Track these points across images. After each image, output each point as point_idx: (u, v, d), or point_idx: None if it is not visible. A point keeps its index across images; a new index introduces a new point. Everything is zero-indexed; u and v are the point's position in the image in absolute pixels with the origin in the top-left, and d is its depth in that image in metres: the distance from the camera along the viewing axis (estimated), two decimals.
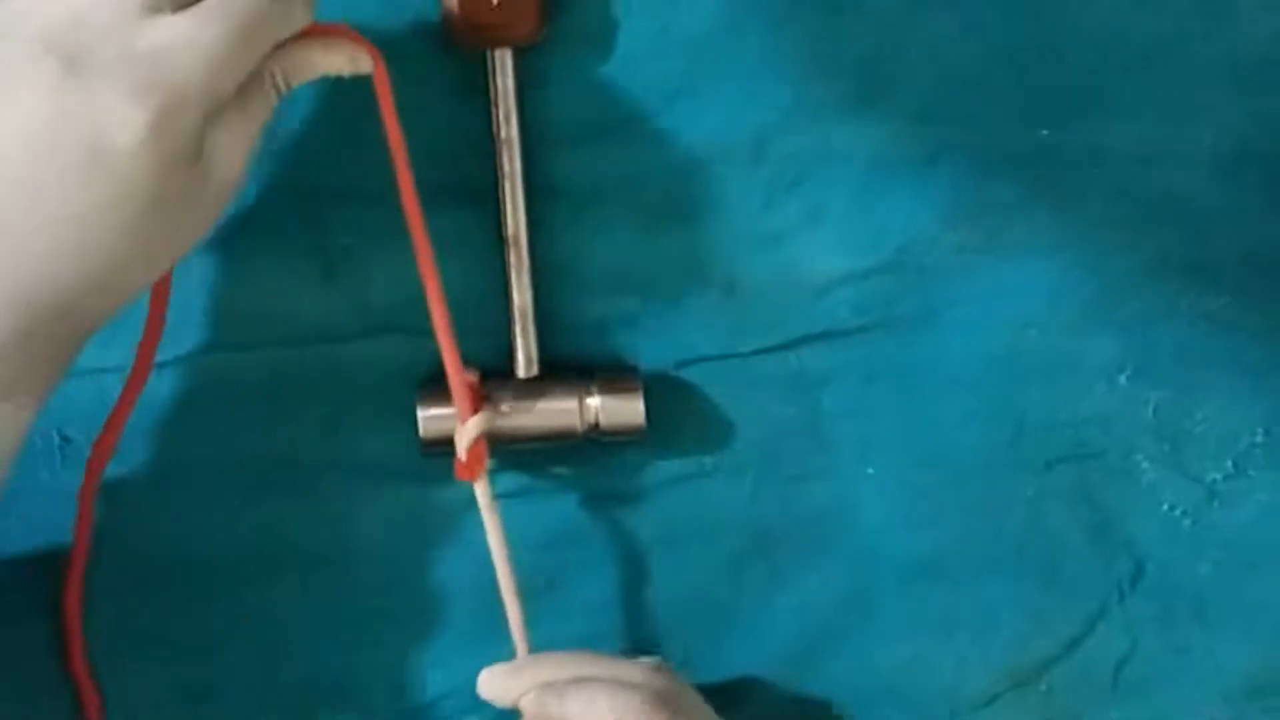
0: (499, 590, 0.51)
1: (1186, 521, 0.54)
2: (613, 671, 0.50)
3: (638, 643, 0.54)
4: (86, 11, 0.40)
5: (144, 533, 0.52)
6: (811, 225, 0.52)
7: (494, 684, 0.51)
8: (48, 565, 0.52)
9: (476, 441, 0.50)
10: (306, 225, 0.51)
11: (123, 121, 0.39)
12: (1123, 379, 0.53)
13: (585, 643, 0.53)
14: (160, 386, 0.51)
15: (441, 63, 0.50)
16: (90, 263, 0.41)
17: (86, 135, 0.39)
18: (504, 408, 0.51)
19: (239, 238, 0.51)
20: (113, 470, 0.51)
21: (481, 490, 0.51)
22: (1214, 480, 0.53)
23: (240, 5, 0.41)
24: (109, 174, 0.40)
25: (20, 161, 0.40)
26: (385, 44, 0.49)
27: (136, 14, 0.40)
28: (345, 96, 0.49)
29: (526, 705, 0.50)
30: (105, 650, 0.52)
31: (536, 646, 0.52)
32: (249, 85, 0.43)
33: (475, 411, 0.50)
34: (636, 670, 0.51)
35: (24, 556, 0.52)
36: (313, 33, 0.45)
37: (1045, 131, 0.51)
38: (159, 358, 0.50)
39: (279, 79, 0.44)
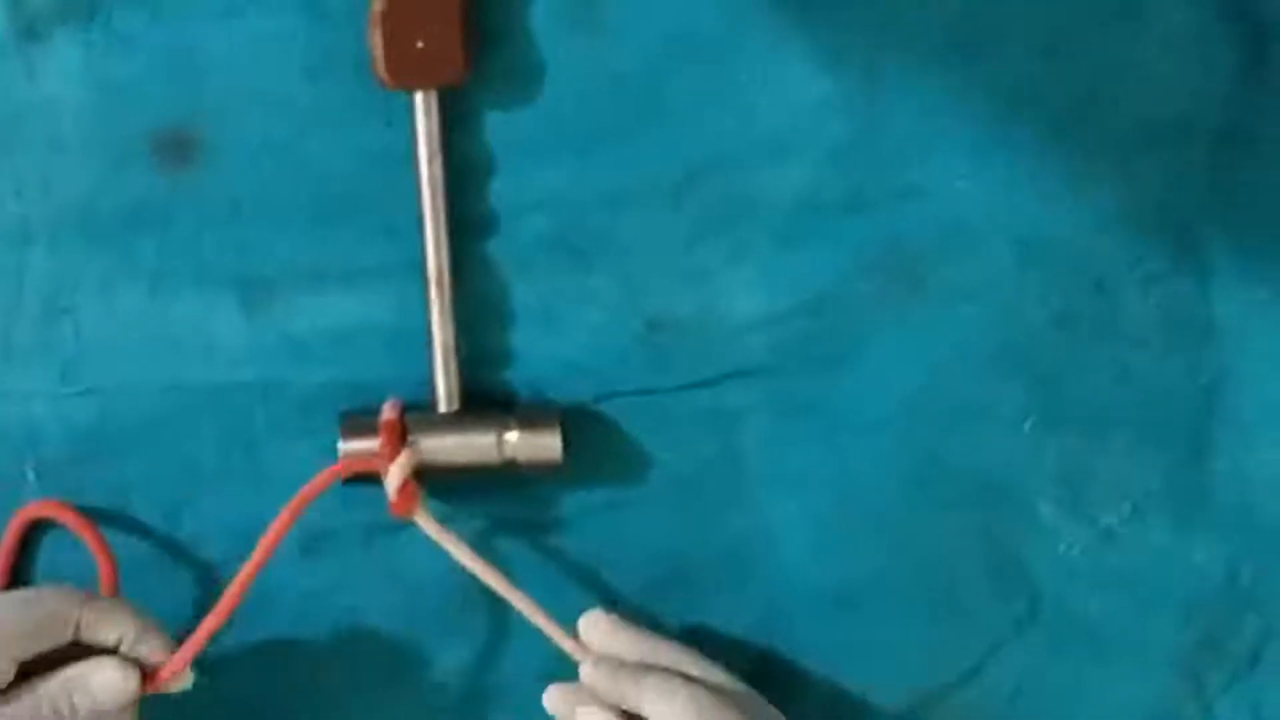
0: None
1: (1083, 561, 0.55)
2: (690, 664, 0.51)
3: (553, 670, 0.54)
4: None
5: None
6: (734, 265, 0.53)
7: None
8: None
9: (405, 482, 0.51)
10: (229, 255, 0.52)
11: None
12: (1027, 425, 0.54)
13: (498, 669, 0.54)
14: (83, 413, 0.52)
15: (366, 101, 0.50)
16: None
17: None
18: (424, 443, 0.51)
19: (165, 273, 0.51)
20: (48, 490, 0.52)
21: (424, 521, 0.51)
22: (1110, 523, 0.55)
23: (41, 599, 0.48)
24: None
25: None
26: (312, 79, 0.50)
27: None
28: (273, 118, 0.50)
29: (594, 678, 0.51)
30: None
31: (449, 672, 0.53)
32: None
33: (397, 450, 0.50)
34: (712, 667, 0.51)
35: None
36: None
37: (959, 182, 0.52)
38: (85, 385, 0.52)
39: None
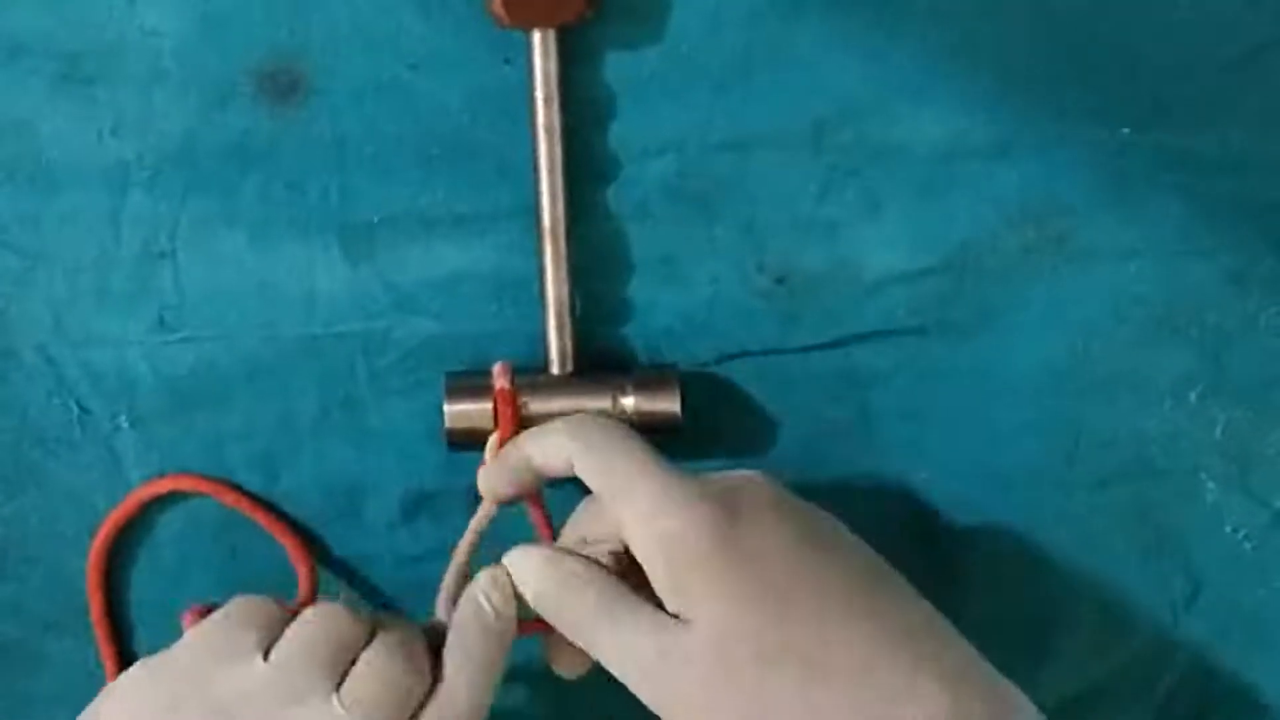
0: None
1: (1248, 545, 0.51)
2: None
3: None
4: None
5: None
6: (869, 219, 0.49)
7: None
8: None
9: None
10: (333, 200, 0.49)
11: None
12: (1192, 396, 0.51)
13: None
14: (180, 363, 0.50)
15: (480, 39, 0.48)
16: None
17: None
18: (533, 406, 0.48)
19: (266, 218, 0.49)
20: (142, 440, 0.51)
21: None
22: None
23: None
24: None
25: None
26: (424, 14, 0.48)
27: (241, 654, 0.43)
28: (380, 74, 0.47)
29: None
30: None
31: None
32: None
33: (512, 418, 0.47)
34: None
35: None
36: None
37: (1125, 130, 0.48)
38: (183, 333, 0.50)
39: None
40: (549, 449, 0.45)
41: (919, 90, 0.48)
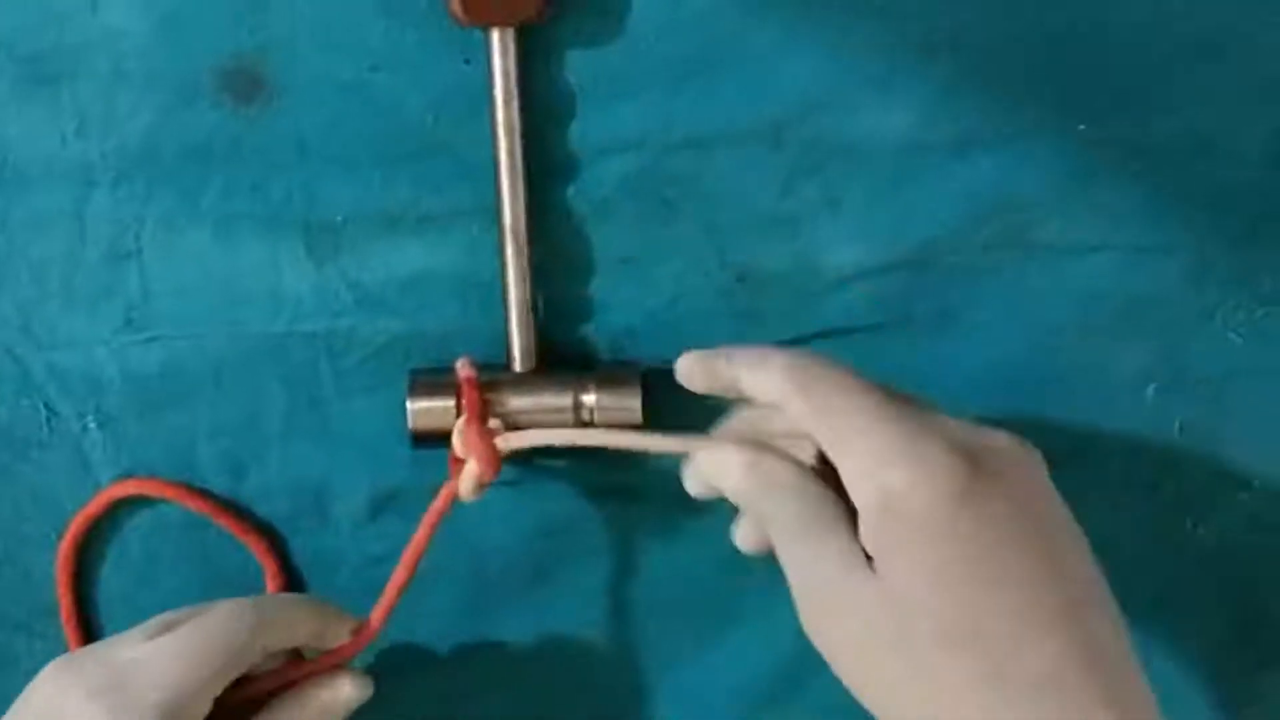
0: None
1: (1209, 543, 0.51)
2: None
3: (629, 638, 0.52)
4: (110, 644, 0.48)
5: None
6: (830, 215, 0.49)
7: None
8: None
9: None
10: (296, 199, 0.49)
11: (80, 713, 0.45)
12: (1150, 391, 0.50)
13: (575, 635, 0.52)
14: (146, 362, 0.50)
15: (440, 38, 0.48)
16: None
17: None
18: (499, 405, 0.48)
19: (230, 218, 0.49)
20: (109, 440, 0.51)
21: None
22: (1243, 500, 0.51)
23: (217, 620, 0.46)
24: None
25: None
26: (384, 14, 0.48)
27: (140, 636, 0.47)
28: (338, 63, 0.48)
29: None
30: None
31: (524, 637, 0.51)
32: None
33: (478, 404, 0.47)
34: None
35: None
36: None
37: (1083, 126, 0.48)
38: (150, 333, 0.50)
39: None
40: (761, 383, 0.42)
41: (878, 87, 0.48)
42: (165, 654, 0.46)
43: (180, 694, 0.45)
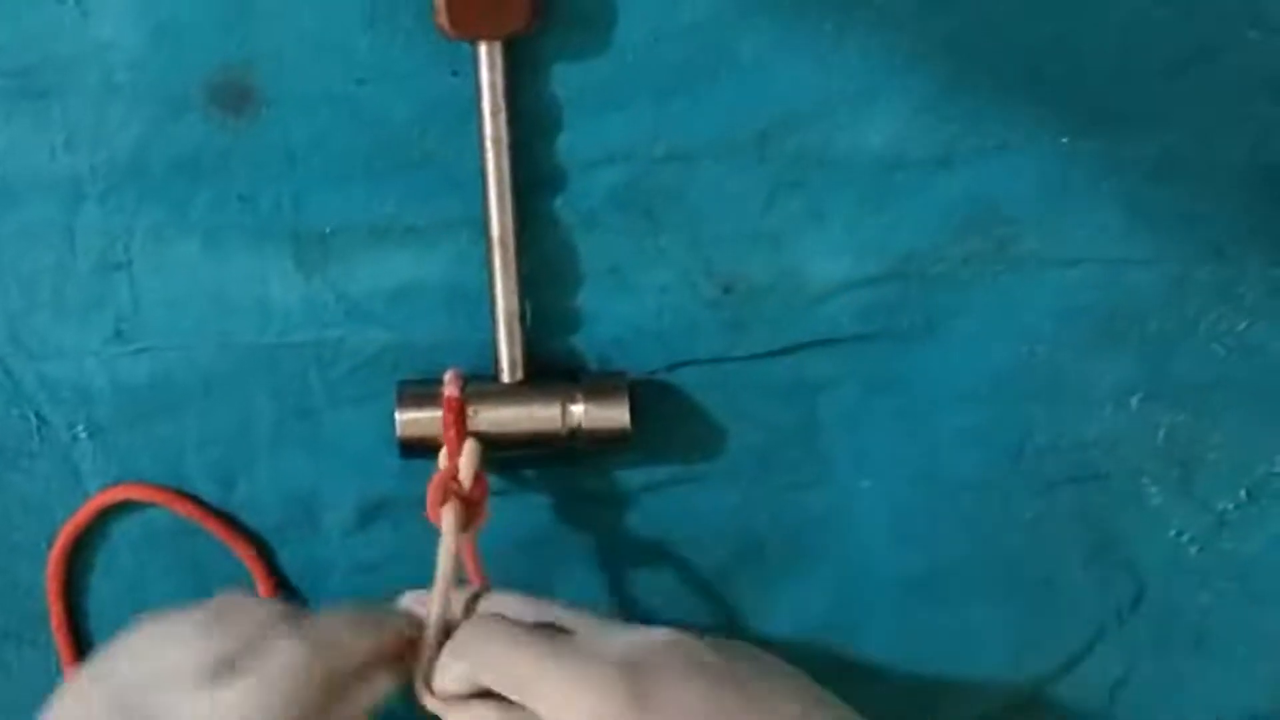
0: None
1: (1193, 549, 0.52)
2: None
3: None
4: (158, 679, 0.43)
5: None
6: (814, 228, 0.50)
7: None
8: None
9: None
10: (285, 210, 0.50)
11: None
12: (1134, 401, 0.51)
13: None
14: (136, 373, 0.50)
15: (427, 51, 0.48)
16: None
17: None
18: (484, 414, 0.49)
19: (219, 230, 0.49)
20: (99, 450, 0.51)
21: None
22: (1225, 509, 0.51)
23: (279, 690, 0.43)
24: None
25: None
26: (371, 27, 0.48)
27: (193, 684, 0.43)
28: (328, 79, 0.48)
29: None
30: None
31: None
32: None
33: (458, 426, 0.48)
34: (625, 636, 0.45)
35: None
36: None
37: (1066, 139, 0.48)
38: (140, 344, 0.50)
39: None
40: (455, 682, 0.44)
41: (862, 100, 0.48)
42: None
43: None
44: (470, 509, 0.48)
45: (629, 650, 0.43)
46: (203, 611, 0.45)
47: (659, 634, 0.43)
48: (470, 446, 0.48)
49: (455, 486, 0.48)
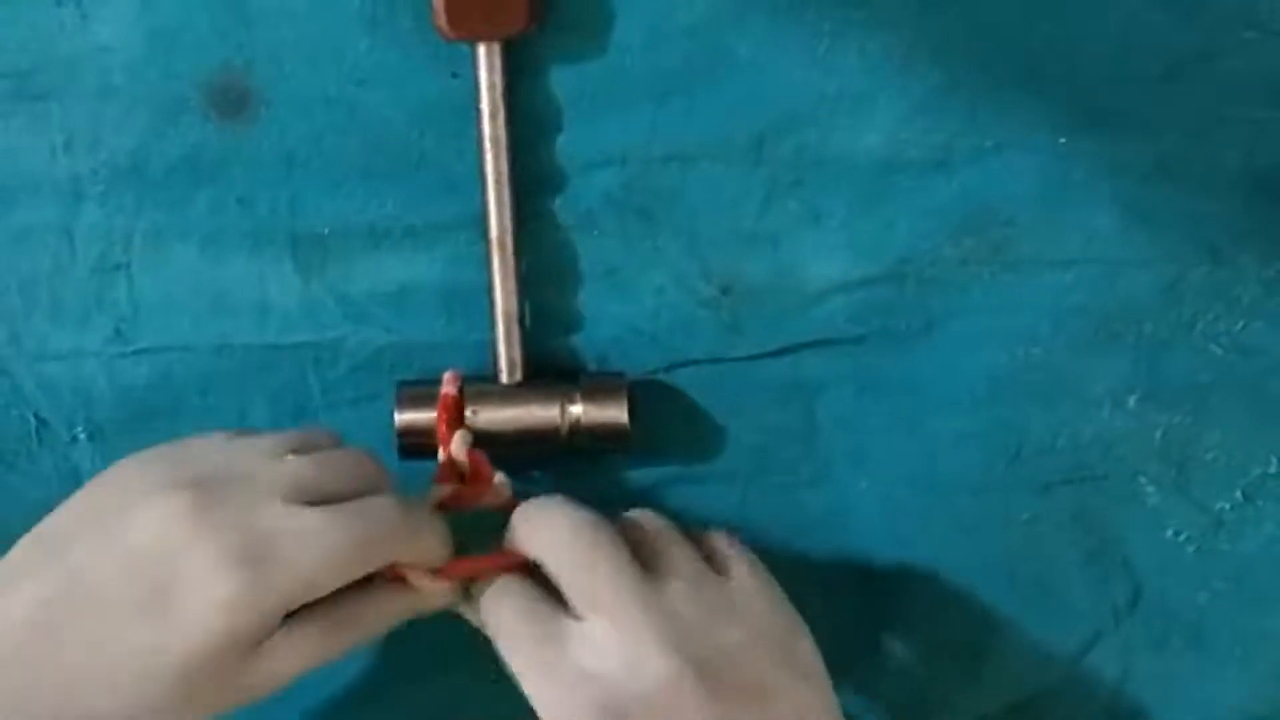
0: None
1: (1190, 549, 0.52)
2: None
3: None
4: (240, 476, 0.43)
5: None
6: (811, 229, 0.50)
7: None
8: None
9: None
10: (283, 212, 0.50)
11: (202, 582, 0.40)
12: (1131, 401, 0.51)
13: None
14: (135, 374, 0.51)
15: (426, 52, 0.48)
16: (121, 695, 0.41)
17: (164, 579, 0.41)
18: (483, 415, 0.49)
19: (217, 231, 0.50)
20: (99, 451, 0.51)
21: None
22: (1221, 509, 0.51)
23: (372, 518, 0.42)
24: (168, 623, 0.41)
25: (110, 574, 0.41)
26: (370, 28, 0.48)
27: (277, 496, 0.42)
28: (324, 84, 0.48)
29: None
30: None
31: None
32: (341, 608, 0.43)
33: (456, 426, 0.48)
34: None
35: None
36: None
37: (1062, 140, 0.49)
38: (139, 345, 0.50)
39: (373, 620, 0.44)
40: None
41: (858, 102, 0.49)
42: (321, 541, 0.41)
43: (322, 590, 0.42)
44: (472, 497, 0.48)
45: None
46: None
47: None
48: (460, 435, 0.48)
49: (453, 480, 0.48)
